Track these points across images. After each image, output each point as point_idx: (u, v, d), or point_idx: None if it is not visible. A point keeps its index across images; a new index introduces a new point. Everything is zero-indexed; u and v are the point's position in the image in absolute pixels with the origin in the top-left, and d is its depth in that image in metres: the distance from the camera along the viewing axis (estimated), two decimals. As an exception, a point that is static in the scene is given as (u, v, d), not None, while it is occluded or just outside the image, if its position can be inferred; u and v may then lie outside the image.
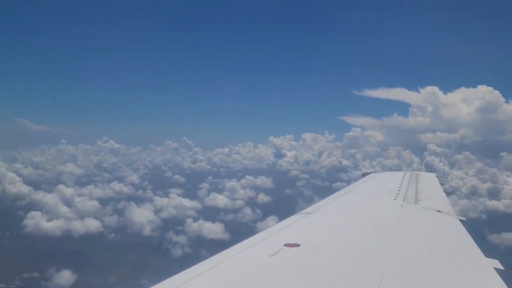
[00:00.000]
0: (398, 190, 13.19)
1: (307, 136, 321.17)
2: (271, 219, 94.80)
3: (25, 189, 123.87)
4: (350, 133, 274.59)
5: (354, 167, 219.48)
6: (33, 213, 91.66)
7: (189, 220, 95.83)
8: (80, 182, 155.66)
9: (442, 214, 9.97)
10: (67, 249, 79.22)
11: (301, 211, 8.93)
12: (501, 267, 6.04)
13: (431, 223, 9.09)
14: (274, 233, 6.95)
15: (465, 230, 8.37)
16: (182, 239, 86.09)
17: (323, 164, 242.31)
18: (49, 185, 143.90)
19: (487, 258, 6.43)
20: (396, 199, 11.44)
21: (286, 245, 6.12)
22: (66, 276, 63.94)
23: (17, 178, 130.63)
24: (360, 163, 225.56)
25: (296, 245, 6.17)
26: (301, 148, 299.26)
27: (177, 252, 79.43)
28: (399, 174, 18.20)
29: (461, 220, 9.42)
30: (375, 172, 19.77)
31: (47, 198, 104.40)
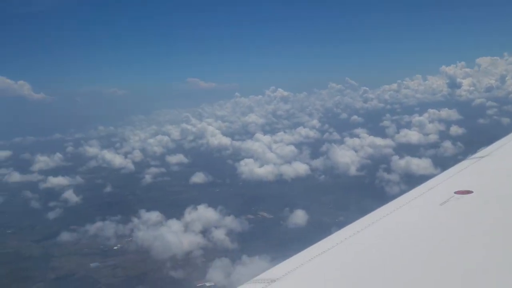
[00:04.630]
0: None
1: (483, 60, 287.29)
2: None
3: (225, 140, 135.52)
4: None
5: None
6: (246, 160, 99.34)
7: (394, 158, 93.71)
8: (265, 130, 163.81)
9: None
10: (284, 192, 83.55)
11: (472, 156, 8.26)
12: None
13: None
14: (444, 180, 6.61)
15: None
16: (393, 177, 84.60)
17: (510, 90, 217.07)
18: (241, 135, 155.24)
19: None
20: None
21: (457, 192, 5.78)
22: (299, 215, 67.18)
23: (216, 131, 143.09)
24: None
25: (468, 192, 5.77)
26: (477, 74, 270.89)
27: (393, 190, 78.04)
28: None
29: None
30: None
31: (255, 146, 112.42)
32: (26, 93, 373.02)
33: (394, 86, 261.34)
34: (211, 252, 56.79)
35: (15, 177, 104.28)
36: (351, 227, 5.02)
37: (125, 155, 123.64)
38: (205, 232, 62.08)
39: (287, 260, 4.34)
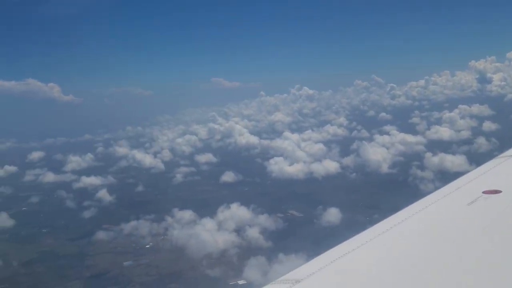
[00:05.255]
0: None
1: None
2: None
3: (253, 139, 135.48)
4: None
5: None
6: (276, 159, 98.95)
7: (427, 155, 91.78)
8: (292, 129, 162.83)
9: None
10: (314, 190, 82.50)
11: (501, 155, 7.98)
12: None
13: None
14: (472, 180, 6.51)
15: None
16: (427, 174, 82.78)
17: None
18: (268, 133, 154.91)
19: None
20: None
21: (485, 192, 5.63)
22: (330, 213, 66.28)
23: (244, 130, 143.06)
24: None
25: (497, 191, 5.61)
26: (508, 69, 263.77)
27: (428, 187, 76.25)
28: None
29: None
30: None
31: (284, 144, 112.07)
32: (56, 95, 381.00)
33: (422, 82, 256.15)
34: (245, 250, 56.58)
35: (49, 177, 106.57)
36: (376, 228, 5.04)
37: (155, 154, 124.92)
38: (238, 230, 62.02)
39: (312, 261, 4.37)
